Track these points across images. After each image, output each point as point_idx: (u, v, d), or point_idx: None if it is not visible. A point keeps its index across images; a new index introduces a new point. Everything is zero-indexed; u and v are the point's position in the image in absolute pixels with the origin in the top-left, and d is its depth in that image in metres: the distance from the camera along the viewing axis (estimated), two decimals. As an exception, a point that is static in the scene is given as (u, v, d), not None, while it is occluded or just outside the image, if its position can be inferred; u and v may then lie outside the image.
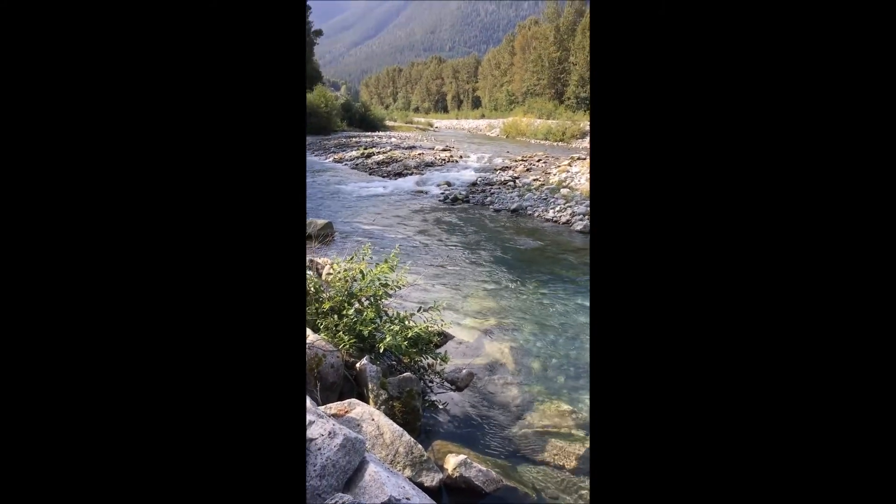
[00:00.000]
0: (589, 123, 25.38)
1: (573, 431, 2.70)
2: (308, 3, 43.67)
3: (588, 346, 3.75)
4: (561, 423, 2.77)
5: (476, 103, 64.23)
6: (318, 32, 46.12)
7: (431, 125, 46.62)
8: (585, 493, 2.29)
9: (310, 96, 28.57)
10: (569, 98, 38.20)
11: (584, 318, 4.30)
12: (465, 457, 2.25)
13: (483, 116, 50.61)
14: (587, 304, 4.66)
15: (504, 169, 13.16)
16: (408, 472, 2.07)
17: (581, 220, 7.84)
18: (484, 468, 2.22)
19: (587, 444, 2.59)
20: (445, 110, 72.83)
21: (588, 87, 36.84)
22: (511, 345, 3.71)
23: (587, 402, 3.02)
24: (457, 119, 55.82)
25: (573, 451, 2.55)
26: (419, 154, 16.26)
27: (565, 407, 2.91)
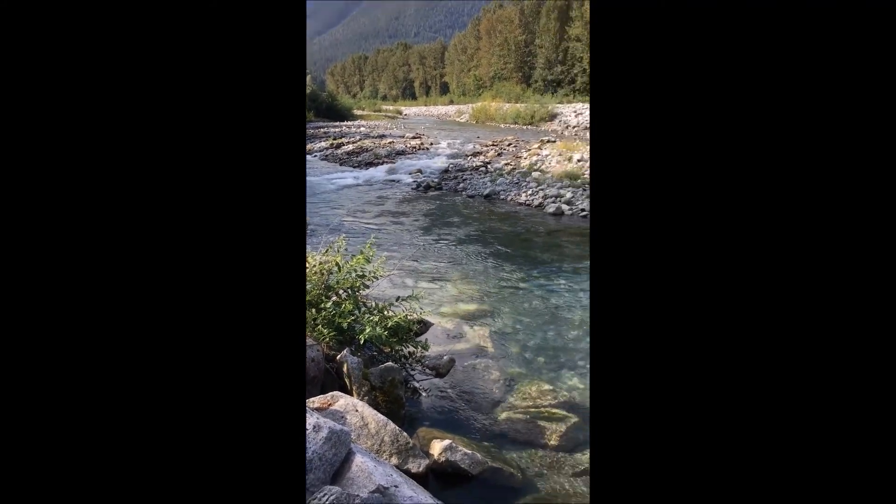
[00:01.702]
0: (557, 105, 25.55)
1: (554, 410, 2.76)
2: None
3: (565, 326, 3.83)
4: (542, 403, 2.83)
5: (444, 89, 63.84)
6: (279, 20, 44.69)
7: (400, 113, 46.14)
8: (568, 469, 2.35)
9: (274, 87, 27.74)
10: (536, 81, 38.31)
11: (560, 300, 4.37)
12: (451, 441, 2.28)
13: (452, 102, 50.34)
14: (562, 284, 4.74)
15: (475, 154, 13.15)
16: (394, 461, 2.08)
17: (553, 202, 7.92)
18: (469, 451, 2.25)
19: (568, 422, 2.66)
20: (414, 97, 72.18)
21: (554, 69, 36.94)
22: (490, 329, 3.75)
23: (566, 380, 3.09)
24: (426, 106, 55.39)
25: (555, 428, 2.61)
26: (389, 143, 16.10)
27: (546, 387, 2.97)
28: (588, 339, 3.61)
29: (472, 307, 4.16)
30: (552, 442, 2.53)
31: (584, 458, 2.42)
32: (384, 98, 75.82)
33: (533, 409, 2.77)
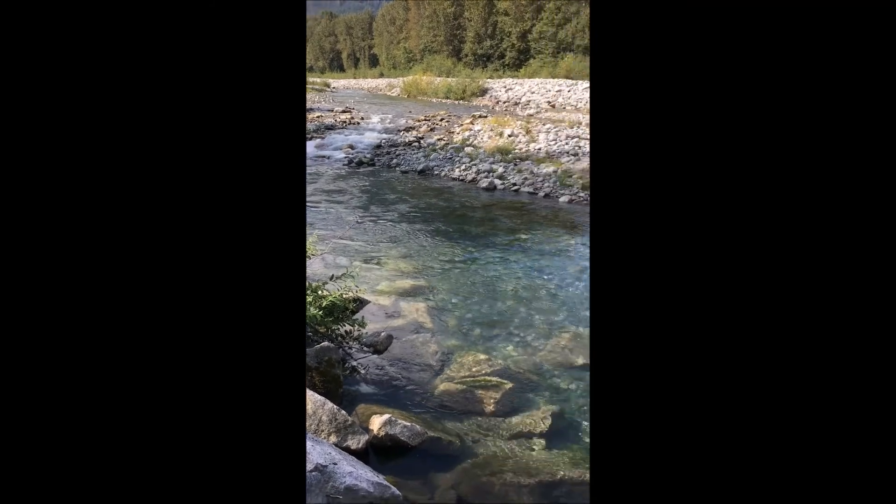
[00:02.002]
0: (487, 80, 25.64)
1: (490, 378, 2.86)
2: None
3: (500, 297, 3.94)
4: (478, 372, 2.92)
5: (373, 61, 62.03)
6: (190, -18, 41.10)
7: (328, 86, 44.23)
8: (504, 432, 2.46)
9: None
10: (466, 55, 38.11)
11: (495, 273, 4.49)
12: (390, 415, 2.31)
13: (382, 75, 49.01)
14: (497, 256, 4.86)
15: (408, 129, 12.98)
16: (333, 439, 2.09)
17: (486, 177, 8.03)
18: (408, 424, 2.29)
19: (503, 389, 2.77)
20: (342, 69, 69.55)
21: (483, 43, 36.88)
22: (427, 304, 3.79)
23: (501, 349, 3.20)
24: (355, 79, 53.57)
25: (491, 396, 2.71)
26: (318, 117, 15.47)
27: (481, 356, 3.07)
28: (522, 309, 3.75)
29: (408, 283, 4.18)
30: (488, 408, 2.63)
31: (517, 421, 2.54)
32: (310, 70, 72.35)
33: (469, 379, 2.85)
